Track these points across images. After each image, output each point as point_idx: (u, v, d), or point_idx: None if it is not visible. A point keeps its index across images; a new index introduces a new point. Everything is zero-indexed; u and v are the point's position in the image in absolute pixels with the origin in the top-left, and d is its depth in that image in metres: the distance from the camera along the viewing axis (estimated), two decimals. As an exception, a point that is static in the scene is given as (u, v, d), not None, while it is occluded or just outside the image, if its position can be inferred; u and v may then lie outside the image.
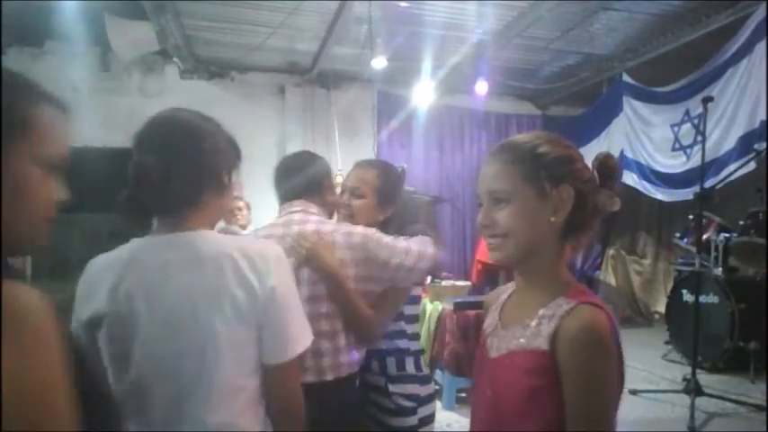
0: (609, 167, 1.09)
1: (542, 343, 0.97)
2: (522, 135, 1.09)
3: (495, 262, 1.06)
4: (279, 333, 1.13)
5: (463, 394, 3.92)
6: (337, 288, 1.60)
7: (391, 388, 1.79)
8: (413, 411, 1.78)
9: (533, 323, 1.00)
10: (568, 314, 0.96)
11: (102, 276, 1.11)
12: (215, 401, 1.07)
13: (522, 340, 1.01)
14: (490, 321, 1.15)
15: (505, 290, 1.18)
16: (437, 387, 3.93)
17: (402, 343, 1.85)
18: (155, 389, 1.07)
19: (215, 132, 1.16)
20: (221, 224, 2.54)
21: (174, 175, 1.09)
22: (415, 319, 1.94)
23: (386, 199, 1.86)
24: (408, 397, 1.79)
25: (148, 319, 1.07)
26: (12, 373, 0.60)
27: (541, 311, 1.00)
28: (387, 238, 1.68)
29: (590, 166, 1.09)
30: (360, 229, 1.69)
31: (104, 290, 1.09)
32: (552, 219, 1.00)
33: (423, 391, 1.82)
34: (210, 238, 1.13)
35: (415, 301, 1.94)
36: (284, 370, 1.14)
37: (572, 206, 1.01)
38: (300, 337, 1.17)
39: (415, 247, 1.69)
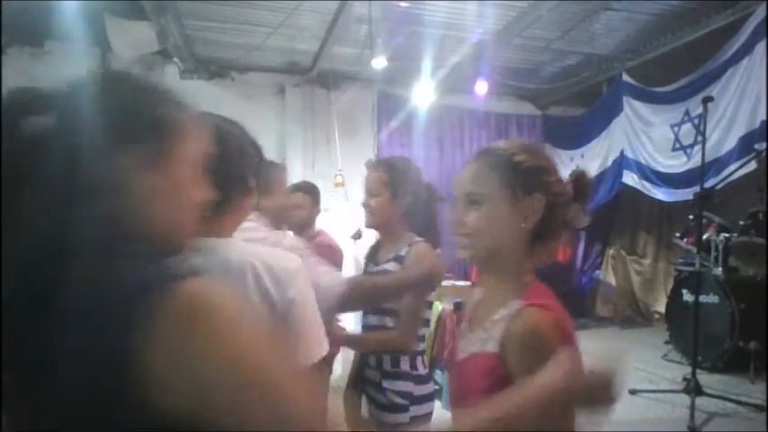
0: (583, 184, 1.12)
1: (494, 346, 1.00)
2: (503, 142, 1.15)
3: (461, 259, 1.10)
4: (292, 343, 1.15)
5: (463, 394, 3.92)
6: None
7: (385, 384, 1.81)
8: (405, 409, 1.80)
9: (490, 326, 1.04)
10: (516, 317, 0.99)
11: None
12: None
13: (479, 343, 1.05)
14: (464, 324, 1.19)
15: (478, 291, 1.21)
16: (437, 387, 3.93)
17: None
18: None
19: (240, 135, 1.19)
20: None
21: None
22: (425, 322, 1.95)
23: (398, 191, 1.89)
24: (401, 394, 1.80)
25: None
26: (239, 366, 0.61)
27: (498, 313, 1.03)
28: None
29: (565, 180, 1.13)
30: (286, 242, 1.59)
31: None
32: (522, 225, 1.05)
33: (417, 390, 1.83)
34: (236, 246, 1.16)
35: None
36: None
37: (542, 215, 1.05)
38: (313, 348, 1.17)
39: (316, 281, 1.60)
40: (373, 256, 2.02)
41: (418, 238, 1.91)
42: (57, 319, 0.60)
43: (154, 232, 0.70)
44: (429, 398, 1.87)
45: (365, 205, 1.94)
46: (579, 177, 1.13)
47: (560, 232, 1.10)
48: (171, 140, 0.73)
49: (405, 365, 1.83)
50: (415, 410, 1.81)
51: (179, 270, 0.63)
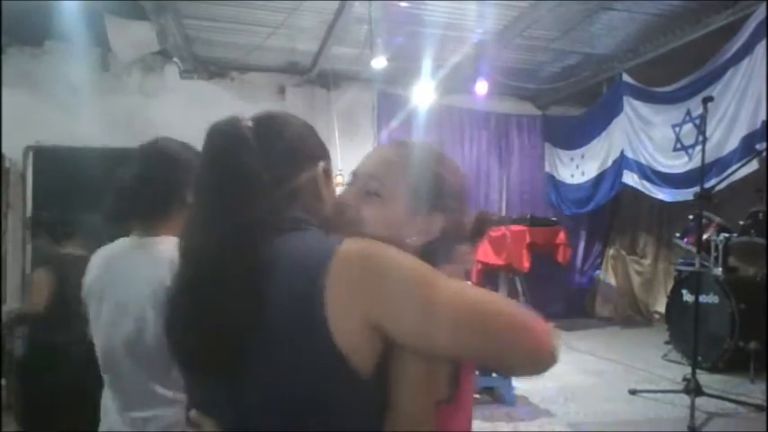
0: (483, 225, 1.05)
1: None
2: (427, 146, 1.05)
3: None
4: None
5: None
6: None
7: None
8: None
9: None
10: None
11: (93, 266, 1.42)
12: (153, 374, 1.29)
13: None
14: None
15: None
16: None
17: None
18: (115, 360, 1.32)
19: (188, 159, 1.36)
20: None
21: (145, 191, 1.36)
22: None
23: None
24: None
25: (110, 305, 1.34)
26: (416, 278, 0.81)
27: None
28: None
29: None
30: None
31: (90, 279, 1.40)
32: (412, 239, 0.94)
33: None
34: (170, 243, 1.27)
35: None
36: None
37: (434, 237, 0.96)
38: None
39: None
40: None
41: None
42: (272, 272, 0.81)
43: (322, 216, 0.96)
44: None
45: None
46: (482, 217, 1.06)
47: (440, 262, 0.96)
48: (325, 161, 0.99)
49: None
50: None
51: (339, 238, 0.84)
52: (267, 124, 0.96)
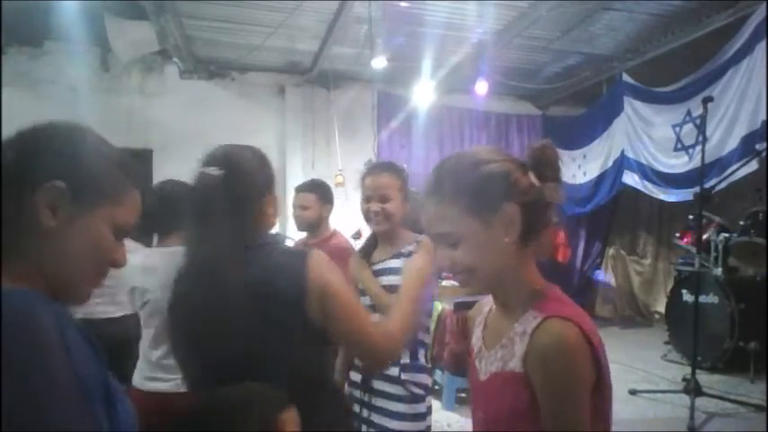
0: (546, 157, 1.01)
1: (517, 365, 0.95)
2: (450, 163, 1.03)
3: (469, 294, 1.10)
4: None
5: (463, 394, 3.92)
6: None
7: (404, 376, 1.86)
8: (422, 399, 1.88)
9: (508, 342, 0.99)
10: (537, 330, 0.93)
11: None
12: None
13: (500, 362, 1.00)
14: (475, 340, 1.14)
15: (487, 302, 1.16)
16: (437, 387, 3.94)
17: (420, 334, 1.92)
18: None
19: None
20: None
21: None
22: (429, 313, 2.11)
23: (405, 197, 1.99)
24: (419, 385, 1.88)
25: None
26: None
27: (515, 327, 0.98)
28: None
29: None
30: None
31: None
32: (506, 239, 0.97)
33: (428, 381, 1.95)
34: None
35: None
36: None
37: (522, 218, 0.97)
38: None
39: None
40: (368, 254, 2.05)
41: (421, 236, 1.95)
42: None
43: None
44: (430, 388, 1.98)
45: (375, 212, 1.92)
46: (541, 151, 1.02)
47: (546, 218, 1.01)
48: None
49: (422, 358, 1.92)
50: (428, 401, 1.92)
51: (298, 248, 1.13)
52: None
